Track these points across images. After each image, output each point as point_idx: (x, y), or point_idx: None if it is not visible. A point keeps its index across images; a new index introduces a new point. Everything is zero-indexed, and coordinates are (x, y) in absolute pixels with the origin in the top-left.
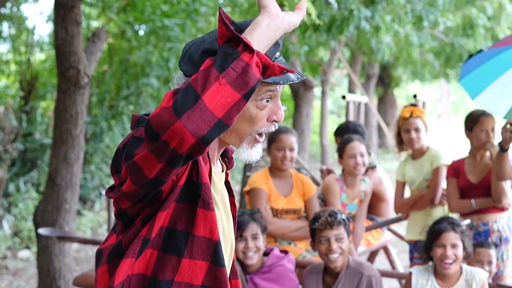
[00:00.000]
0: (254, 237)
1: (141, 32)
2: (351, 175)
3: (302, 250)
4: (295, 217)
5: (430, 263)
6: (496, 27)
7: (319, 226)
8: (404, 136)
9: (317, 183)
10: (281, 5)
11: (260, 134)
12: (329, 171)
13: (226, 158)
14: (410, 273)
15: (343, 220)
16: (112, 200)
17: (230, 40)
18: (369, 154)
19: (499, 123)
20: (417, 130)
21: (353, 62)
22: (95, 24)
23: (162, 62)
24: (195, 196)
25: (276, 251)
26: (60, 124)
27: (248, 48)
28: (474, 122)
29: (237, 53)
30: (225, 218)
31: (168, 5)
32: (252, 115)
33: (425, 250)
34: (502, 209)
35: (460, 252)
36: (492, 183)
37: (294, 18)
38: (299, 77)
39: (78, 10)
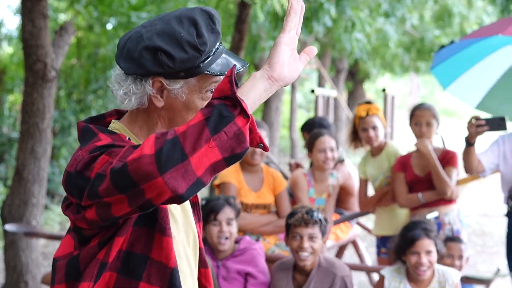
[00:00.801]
0: (228, 222)
1: (109, 26)
2: (320, 170)
3: (271, 244)
4: (265, 212)
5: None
6: (465, 22)
7: (294, 221)
8: (362, 135)
9: (286, 177)
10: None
11: None
12: (298, 165)
13: None
14: (383, 277)
15: (319, 219)
16: None
17: (226, 97)
18: (338, 148)
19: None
20: (374, 128)
21: (323, 56)
22: (63, 17)
23: None
24: (153, 219)
25: (247, 237)
26: (27, 118)
27: (244, 113)
28: (411, 116)
29: (233, 117)
30: (180, 210)
31: None
32: (198, 107)
33: (397, 254)
34: (451, 201)
35: (434, 257)
36: (432, 176)
37: (295, 74)
38: (244, 64)
39: (46, 3)
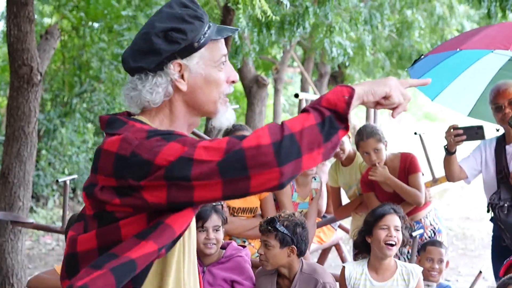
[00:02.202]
0: (216, 229)
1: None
2: (303, 174)
3: (255, 249)
4: (250, 216)
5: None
6: (446, 28)
7: (260, 228)
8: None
9: None
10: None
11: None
12: None
13: None
14: (343, 267)
15: (276, 228)
16: (66, 196)
17: (336, 112)
18: None
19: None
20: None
21: (306, 61)
22: (48, 21)
23: (115, 59)
24: None
25: (234, 244)
26: (12, 122)
27: (347, 129)
28: (356, 145)
29: (339, 129)
30: None
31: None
32: (217, 79)
33: (363, 233)
34: (426, 203)
35: (401, 236)
36: (400, 194)
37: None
38: (234, 30)
39: (31, 7)
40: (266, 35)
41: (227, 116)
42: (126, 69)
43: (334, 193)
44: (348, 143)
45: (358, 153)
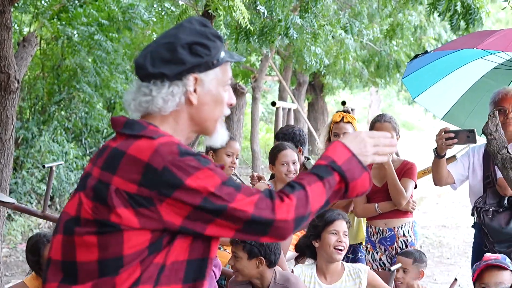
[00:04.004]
0: None
1: (75, 37)
2: (282, 182)
3: (230, 254)
4: None
5: (311, 261)
6: (423, 37)
7: (229, 240)
8: (334, 140)
9: None
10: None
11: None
12: (260, 178)
13: None
14: (292, 270)
15: (243, 240)
16: (50, 182)
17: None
18: (308, 158)
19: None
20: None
21: (284, 69)
22: (27, 29)
23: (94, 67)
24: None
25: None
26: None
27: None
28: (371, 127)
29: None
30: None
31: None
32: (223, 98)
33: (309, 237)
34: (407, 213)
35: (348, 241)
36: (389, 186)
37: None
38: (241, 58)
39: (9, 15)
40: (245, 43)
41: (221, 136)
42: (140, 75)
43: None
44: None
45: None
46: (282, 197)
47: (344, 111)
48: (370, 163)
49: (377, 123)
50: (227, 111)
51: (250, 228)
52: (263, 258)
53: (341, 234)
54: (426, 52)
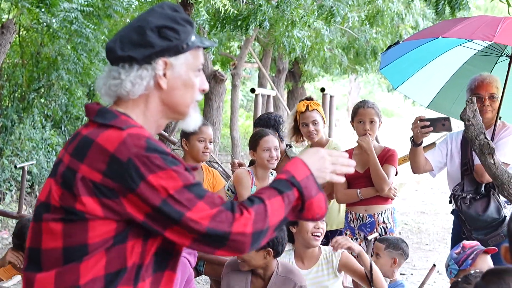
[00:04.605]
0: None
1: (54, 25)
2: (263, 168)
3: None
4: None
5: (290, 246)
6: (400, 25)
7: None
8: (303, 130)
9: (228, 176)
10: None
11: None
12: (240, 165)
13: None
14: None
15: None
16: (23, 182)
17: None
18: (290, 146)
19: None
20: (314, 123)
21: (264, 56)
22: (6, 17)
23: (74, 55)
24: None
25: (184, 255)
26: None
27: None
28: (354, 113)
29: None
30: None
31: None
32: (193, 84)
33: (287, 226)
34: (387, 200)
35: (325, 227)
36: (371, 172)
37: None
38: (213, 43)
39: None
40: (223, 30)
41: (194, 120)
42: (110, 58)
43: None
44: (322, 128)
45: (331, 141)
46: (242, 210)
47: (307, 99)
48: (327, 181)
49: (360, 109)
50: (199, 97)
51: (206, 240)
52: (271, 250)
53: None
54: (398, 42)
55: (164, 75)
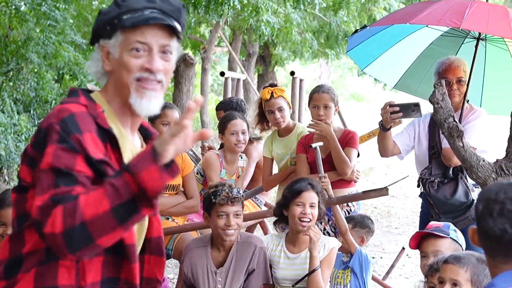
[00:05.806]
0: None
1: (22, 8)
2: (231, 152)
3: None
4: (173, 193)
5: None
6: (374, 8)
7: (219, 200)
8: (269, 117)
9: (198, 159)
10: None
11: (139, 80)
12: (210, 148)
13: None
14: (261, 240)
15: (241, 195)
16: None
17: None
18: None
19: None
20: (280, 109)
21: (234, 40)
22: None
23: (44, 37)
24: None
25: None
26: None
27: (153, 206)
28: (310, 98)
29: (142, 210)
30: None
31: None
32: (126, 63)
33: (280, 207)
34: (350, 183)
35: (316, 212)
36: (332, 156)
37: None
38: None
39: None
40: (195, 12)
41: (143, 104)
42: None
43: (266, 164)
44: (288, 113)
45: (297, 125)
46: (51, 210)
47: (271, 85)
48: (169, 150)
49: (315, 94)
50: (140, 73)
51: (37, 227)
52: None
53: (307, 205)
54: (365, 26)
55: (108, 58)
